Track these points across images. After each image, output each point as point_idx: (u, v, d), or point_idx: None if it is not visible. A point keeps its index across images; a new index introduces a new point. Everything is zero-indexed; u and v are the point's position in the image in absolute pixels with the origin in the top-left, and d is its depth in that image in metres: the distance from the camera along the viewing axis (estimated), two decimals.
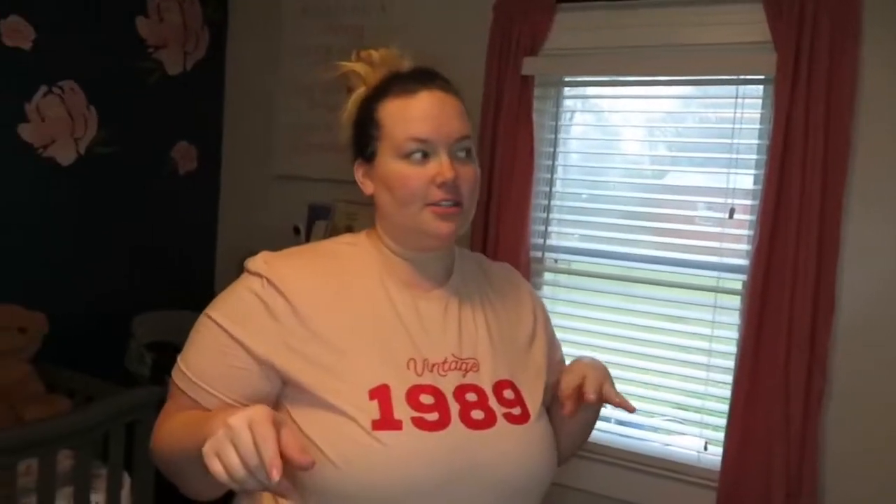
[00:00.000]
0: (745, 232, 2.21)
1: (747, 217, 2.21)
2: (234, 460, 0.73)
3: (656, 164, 2.50)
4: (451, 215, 1.00)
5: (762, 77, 2.17)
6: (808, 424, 2.04)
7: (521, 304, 1.18)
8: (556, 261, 2.53)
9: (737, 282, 2.24)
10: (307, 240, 2.91)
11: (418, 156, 0.99)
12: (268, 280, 0.98)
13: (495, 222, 2.44)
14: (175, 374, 1.01)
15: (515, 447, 1.00)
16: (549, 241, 2.52)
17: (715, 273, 2.26)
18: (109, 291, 2.80)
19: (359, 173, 1.07)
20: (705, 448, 2.30)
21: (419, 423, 0.94)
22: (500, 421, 1.00)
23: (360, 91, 1.08)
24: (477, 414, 0.98)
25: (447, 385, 0.99)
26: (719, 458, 2.18)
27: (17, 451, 1.74)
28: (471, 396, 1.00)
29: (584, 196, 2.56)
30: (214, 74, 3.18)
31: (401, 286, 1.05)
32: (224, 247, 3.27)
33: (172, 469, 0.96)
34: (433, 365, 1.00)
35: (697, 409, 2.32)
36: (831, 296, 2.03)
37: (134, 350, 2.76)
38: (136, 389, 2.08)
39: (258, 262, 1.02)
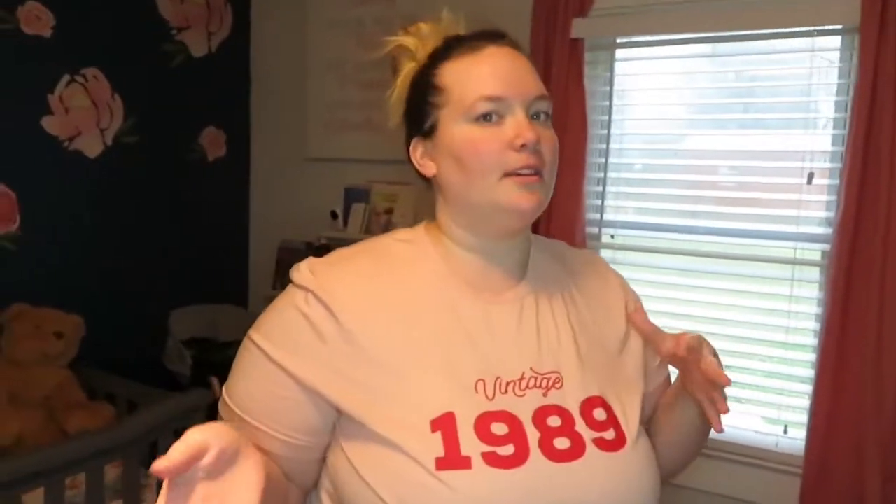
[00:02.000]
0: (826, 198, 2.04)
1: (827, 181, 2.04)
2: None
3: (721, 130, 2.30)
4: (534, 185, 0.83)
5: (840, 27, 1.98)
6: None
7: (611, 300, 0.99)
8: (612, 236, 2.38)
9: (816, 252, 2.07)
10: (345, 225, 2.78)
11: (492, 117, 0.83)
12: (313, 294, 0.83)
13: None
14: (220, 404, 0.89)
15: (609, 479, 0.82)
16: (605, 216, 2.36)
17: (792, 243, 2.09)
18: (143, 288, 2.70)
19: (416, 153, 0.91)
20: (785, 431, 2.15)
21: (491, 460, 0.77)
22: (590, 448, 0.82)
23: (411, 66, 0.92)
24: (561, 443, 0.81)
25: (525, 408, 0.82)
26: (800, 443, 2.04)
27: (64, 468, 1.63)
28: (553, 421, 0.83)
29: (638, 166, 2.39)
30: (240, 54, 3.04)
31: (467, 290, 0.88)
32: (258, 235, 3.16)
33: None
34: (507, 384, 0.83)
35: (778, 391, 2.16)
36: None
37: (172, 347, 2.67)
38: (185, 394, 1.97)
39: (303, 272, 0.86)
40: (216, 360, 2.38)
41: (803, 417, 2.05)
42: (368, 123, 2.73)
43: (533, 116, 0.85)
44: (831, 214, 1.99)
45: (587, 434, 0.83)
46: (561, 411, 0.84)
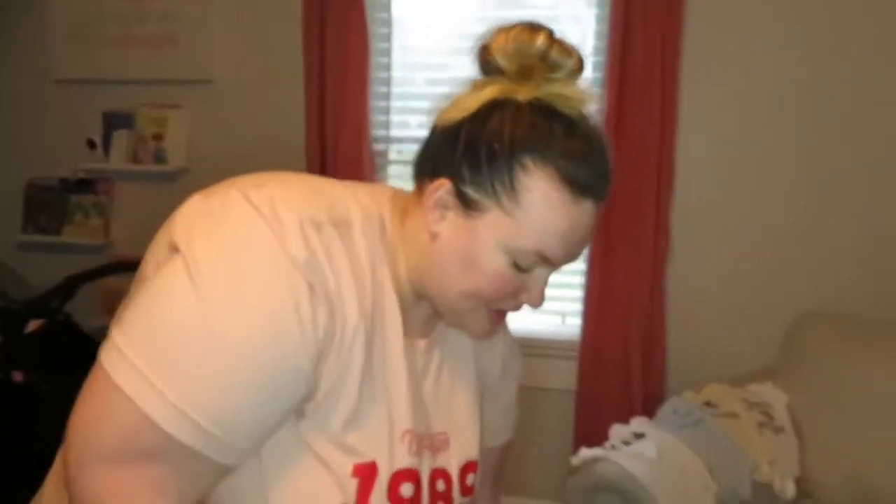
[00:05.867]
0: None
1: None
2: None
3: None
4: (502, 321, 0.80)
5: None
6: (655, 283, 2.17)
7: (493, 350, 0.91)
8: (400, 152, 2.40)
9: None
10: (106, 154, 2.51)
11: (528, 266, 0.72)
12: (311, 287, 0.68)
13: (332, 118, 2.25)
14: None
15: None
16: (392, 133, 2.36)
17: None
18: None
19: (440, 191, 0.72)
20: (563, 321, 2.38)
21: None
22: None
23: (499, 88, 0.72)
24: None
25: (425, 469, 0.78)
26: (577, 329, 2.28)
27: None
28: (440, 485, 0.80)
29: (420, 80, 2.40)
30: None
31: (400, 325, 0.76)
32: (5, 171, 2.74)
33: None
34: (420, 439, 0.77)
35: (555, 285, 2.36)
36: (671, 167, 2.14)
37: None
38: None
39: (294, 241, 0.67)
40: None
41: (578, 307, 2.28)
42: (129, 39, 2.43)
43: None
44: None
45: (458, 500, 0.82)
46: (445, 476, 0.81)
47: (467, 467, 0.83)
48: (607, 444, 1.69)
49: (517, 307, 0.77)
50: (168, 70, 2.41)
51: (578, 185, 0.70)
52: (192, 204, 0.68)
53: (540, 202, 0.69)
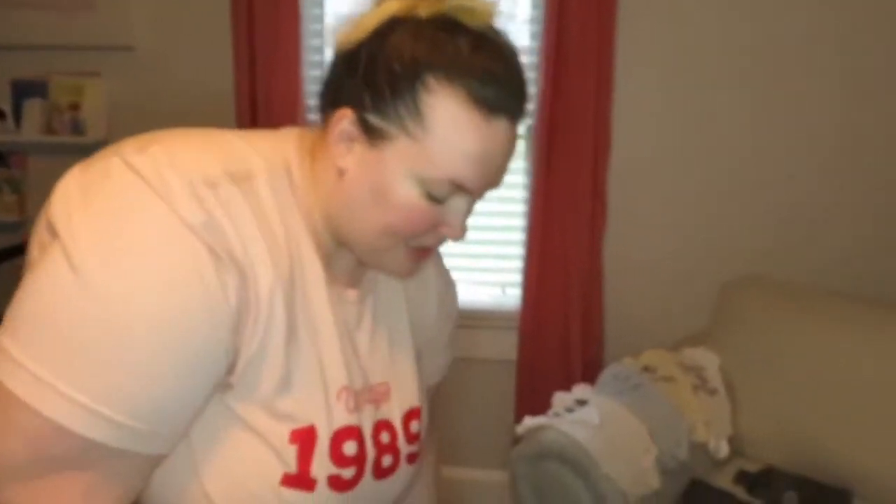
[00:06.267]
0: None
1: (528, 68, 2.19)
2: None
3: None
4: (424, 258, 0.75)
5: None
6: (593, 251, 2.20)
7: (426, 291, 0.88)
8: None
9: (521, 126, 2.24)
10: (17, 125, 2.35)
11: (442, 196, 0.68)
12: (216, 254, 0.64)
13: (264, 83, 2.17)
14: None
15: (403, 490, 0.82)
16: None
17: None
18: None
19: (343, 122, 0.67)
20: (503, 292, 2.38)
21: (334, 483, 0.71)
22: (402, 464, 0.80)
23: (399, 4, 0.67)
24: (387, 460, 0.77)
25: (367, 423, 0.75)
26: (517, 300, 2.29)
27: None
28: (384, 437, 0.77)
29: None
30: None
31: (326, 277, 0.72)
32: None
33: None
34: (357, 394, 0.74)
35: (495, 256, 2.36)
36: (607, 134, 2.15)
37: None
38: None
39: (186, 202, 0.61)
40: None
41: (518, 278, 2.29)
42: (40, 1, 2.26)
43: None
44: (533, 92, 2.16)
45: (405, 449, 0.80)
46: (389, 427, 0.78)
47: (410, 414, 0.81)
48: (550, 412, 1.71)
49: (438, 242, 0.73)
50: (84, 35, 2.26)
51: (488, 104, 0.65)
52: (70, 177, 0.61)
53: (448, 125, 0.64)
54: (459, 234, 0.71)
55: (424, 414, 0.84)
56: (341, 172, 0.69)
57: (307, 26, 2.20)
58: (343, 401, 0.71)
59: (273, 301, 0.64)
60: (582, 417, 1.64)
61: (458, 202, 0.70)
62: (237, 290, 0.61)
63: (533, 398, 2.24)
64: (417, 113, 0.65)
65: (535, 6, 2.17)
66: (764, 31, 2.09)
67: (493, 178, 0.69)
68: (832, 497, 1.69)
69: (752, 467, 1.83)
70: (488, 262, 2.37)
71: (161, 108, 2.33)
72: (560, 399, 1.77)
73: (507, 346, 2.31)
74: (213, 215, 0.60)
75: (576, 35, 2.06)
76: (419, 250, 0.73)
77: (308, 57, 2.22)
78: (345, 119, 0.67)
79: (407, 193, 0.67)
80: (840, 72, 2.09)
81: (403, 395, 0.81)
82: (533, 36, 2.19)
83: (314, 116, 2.26)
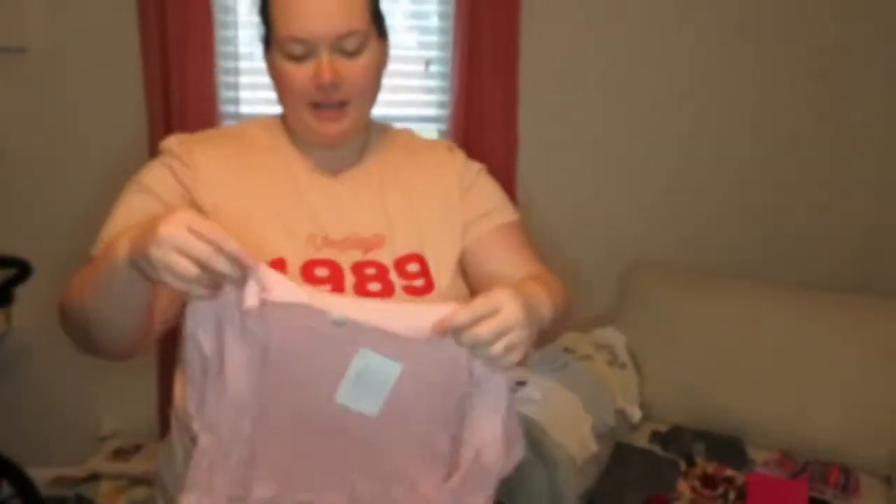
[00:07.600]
0: (438, 83, 2.33)
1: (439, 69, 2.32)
2: (180, 261, 0.68)
3: None
4: (335, 118, 0.95)
5: None
6: None
7: (444, 174, 1.06)
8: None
9: (432, 132, 2.37)
10: None
11: (299, 54, 0.92)
12: (179, 159, 0.96)
13: (178, 83, 2.12)
14: (93, 248, 0.92)
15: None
16: (242, 95, 2.27)
17: (415, 125, 2.34)
18: None
19: (266, 56, 0.99)
20: None
21: None
22: (399, 293, 0.94)
23: None
24: (374, 286, 0.93)
25: (346, 259, 0.95)
26: None
27: None
28: (369, 270, 0.95)
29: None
30: None
31: (309, 169, 1.01)
32: None
33: (85, 320, 0.82)
34: (333, 241, 0.96)
35: None
36: (514, 111, 2.29)
37: None
38: None
39: (170, 141, 0.99)
40: None
41: None
42: None
43: (343, 49, 0.91)
44: (445, 98, 2.29)
45: (398, 282, 0.95)
46: (377, 265, 0.96)
47: (404, 259, 0.97)
48: None
49: (325, 95, 0.92)
50: None
51: None
52: None
53: (276, 5, 0.91)
54: (327, 76, 0.90)
55: (431, 260, 0.97)
56: (273, 84, 0.97)
57: (219, 33, 2.18)
58: (311, 243, 0.94)
59: (223, 179, 0.96)
60: (526, 395, 1.80)
61: (315, 59, 0.91)
62: (190, 183, 0.95)
63: None
64: (268, 13, 0.94)
65: (442, 17, 2.29)
66: (653, 29, 2.31)
67: (321, 24, 0.89)
68: (729, 444, 1.99)
69: (661, 428, 2.09)
70: None
71: (57, 117, 2.20)
72: None
73: None
74: (191, 139, 0.99)
75: (487, 34, 2.18)
76: (321, 110, 0.94)
77: (223, 63, 2.21)
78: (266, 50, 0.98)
79: (280, 66, 0.93)
80: (751, 62, 2.34)
81: (396, 244, 0.97)
82: (442, 16, 2.28)
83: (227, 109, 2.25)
